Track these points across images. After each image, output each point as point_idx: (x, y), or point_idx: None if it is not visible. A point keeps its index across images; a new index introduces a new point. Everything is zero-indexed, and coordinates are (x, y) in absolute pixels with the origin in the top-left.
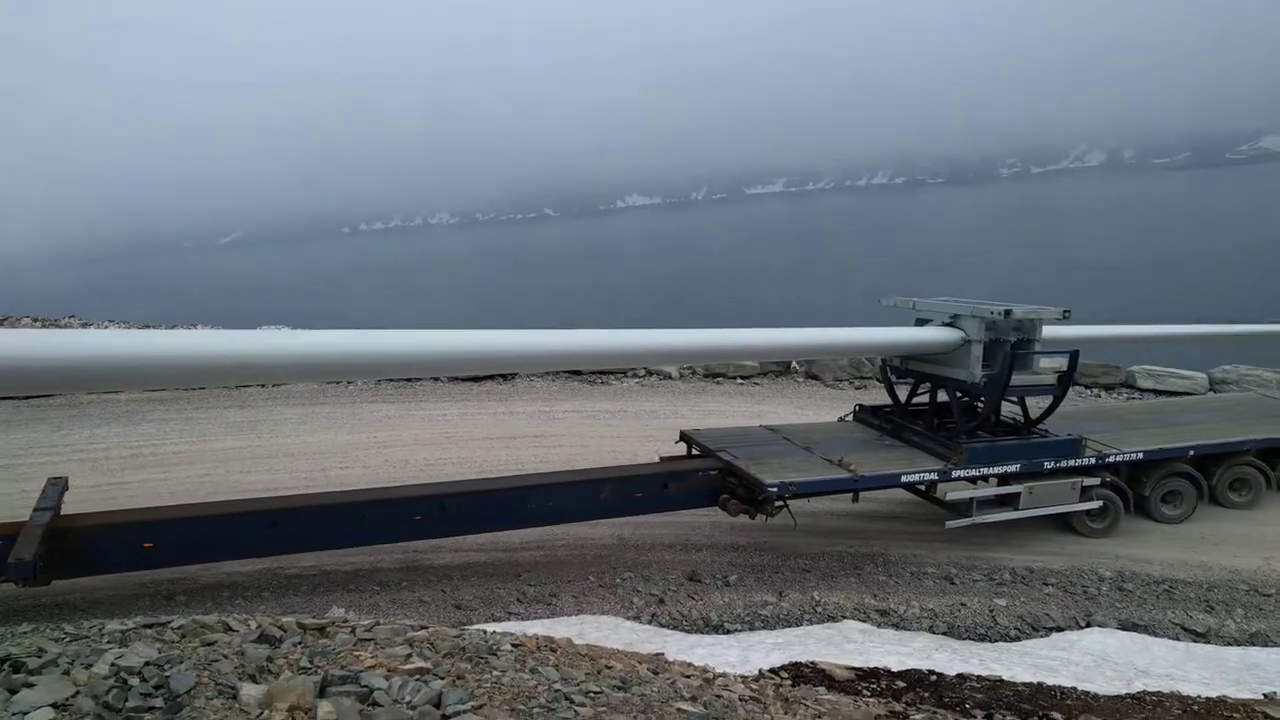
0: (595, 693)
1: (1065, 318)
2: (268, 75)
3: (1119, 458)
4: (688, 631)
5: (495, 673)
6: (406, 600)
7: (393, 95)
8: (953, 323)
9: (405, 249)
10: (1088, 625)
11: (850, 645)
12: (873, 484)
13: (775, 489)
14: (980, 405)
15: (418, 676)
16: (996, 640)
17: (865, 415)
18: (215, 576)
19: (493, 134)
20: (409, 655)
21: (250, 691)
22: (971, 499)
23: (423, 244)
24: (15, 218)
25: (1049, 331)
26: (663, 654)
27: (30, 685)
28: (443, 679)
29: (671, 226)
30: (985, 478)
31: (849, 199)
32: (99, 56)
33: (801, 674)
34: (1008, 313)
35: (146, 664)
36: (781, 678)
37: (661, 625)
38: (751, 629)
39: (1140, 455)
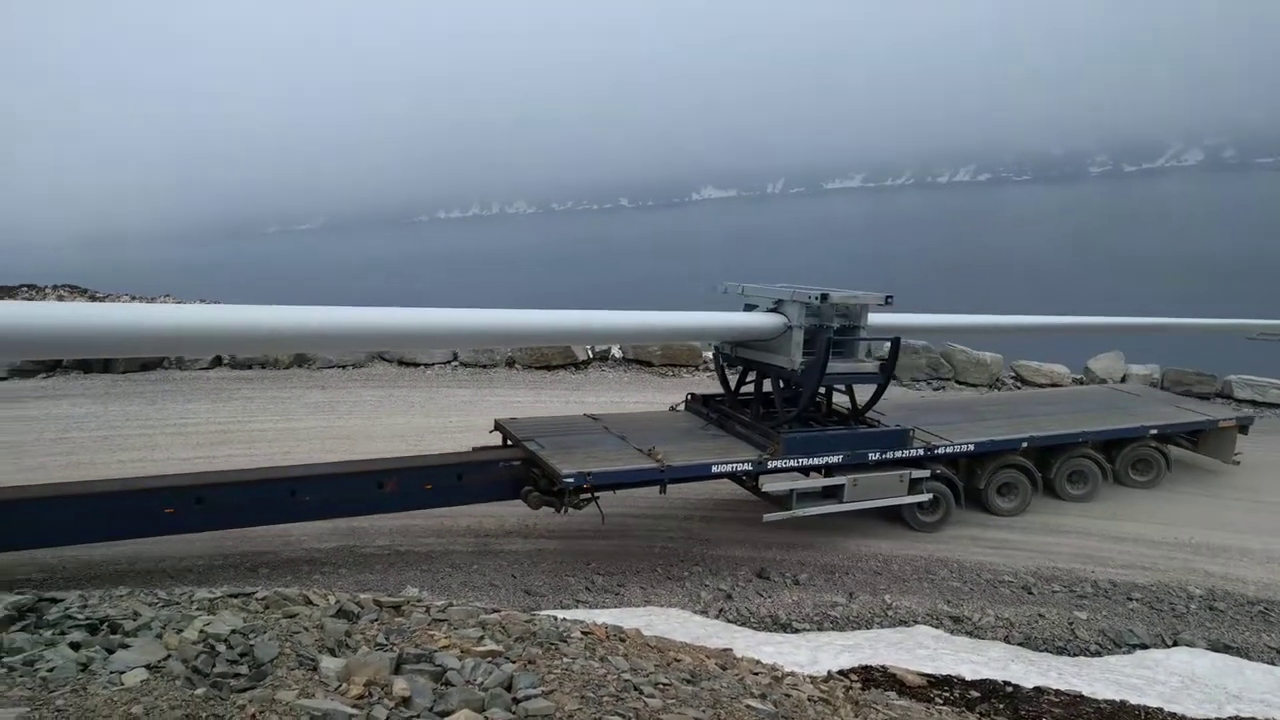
0: (664, 684)
1: (888, 304)
2: (357, 69)
3: (948, 449)
4: (755, 629)
5: (565, 659)
6: (478, 583)
7: (472, 87)
8: (776, 308)
9: (484, 237)
10: (1175, 644)
11: (922, 651)
12: (681, 475)
13: (572, 479)
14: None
15: (490, 659)
16: (1076, 654)
17: (696, 404)
18: (295, 551)
19: (570, 124)
20: (481, 637)
21: (330, 664)
22: (791, 491)
23: (500, 233)
24: (120, 199)
25: (880, 320)
26: (730, 650)
27: (126, 646)
28: (514, 663)
29: (746, 219)
30: (806, 469)
31: (930, 196)
32: (203, 43)
33: (872, 678)
34: (824, 297)
35: (233, 632)
36: (851, 680)
37: (729, 621)
38: (820, 629)
39: (971, 447)
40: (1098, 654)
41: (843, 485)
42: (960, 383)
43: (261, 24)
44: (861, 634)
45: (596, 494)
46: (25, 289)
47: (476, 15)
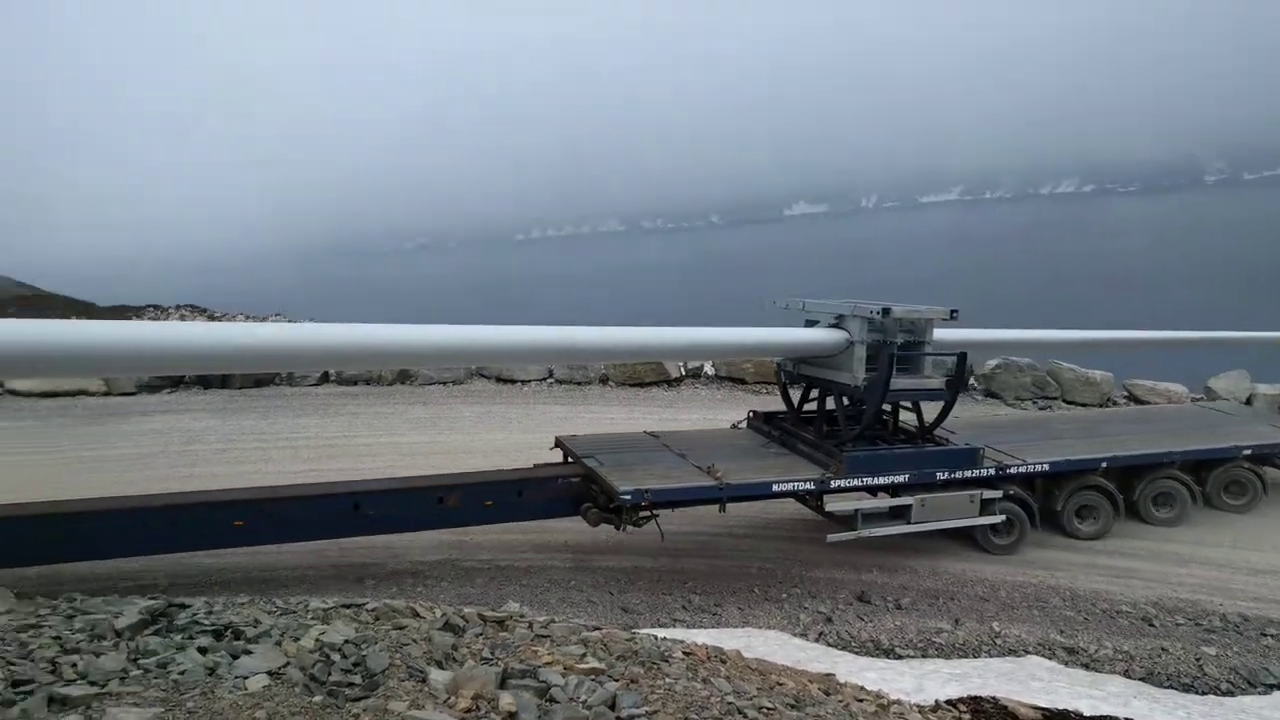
0: (768, 709)
1: (953, 318)
2: (454, 92)
3: (1021, 469)
4: (857, 653)
5: (668, 680)
6: (576, 600)
7: (566, 102)
8: (838, 323)
9: (576, 255)
10: None
11: (1035, 683)
12: (740, 493)
13: (629, 496)
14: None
15: (593, 677)
16: (1205, 693)
17: (758, 422)
18: (400, 564)
19: (660, 141)
20: (584, 655)
21: (438, 677)
22: (856, 511)
23: (591, 251)
24: (234, 221)
25: (948, 335)
26: (833, 675)
27: (249, 652)
28: (617, 681)
29: (838, 234)
30: (871, 489)
31: (1031, 208)
32: (317, 62)
33: (981, 709)
34: (886, 311)
35: (346, 642)
36: (960, 711)
37: (829, 645)
38: (924, 656)
39: (1045, 467)
40: (1229, 693)
41: (910, 505)
42: (1068, 402)
43: (364, 52)
44: (969, 663)
45: (656, 512)
46: (151, 309)
47: (570, 35)
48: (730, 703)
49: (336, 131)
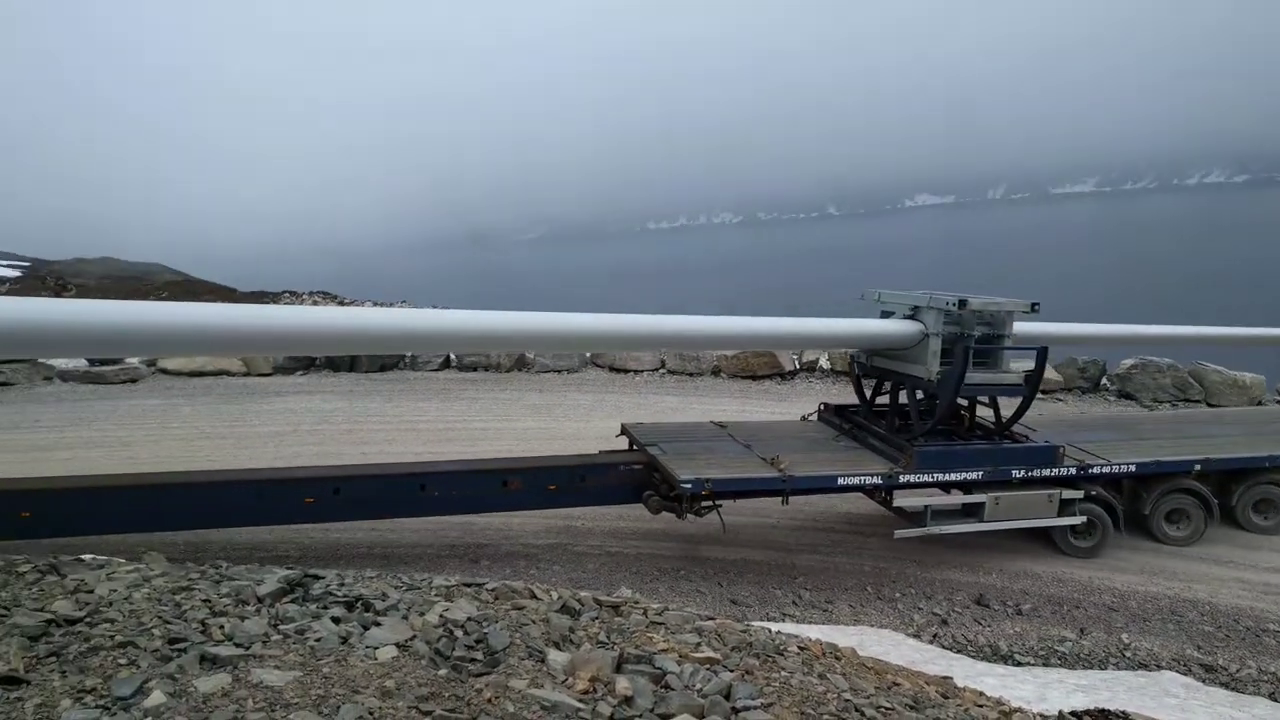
0: (886, 708)
1: (1034, 311)
2: (574, 81)
3: (1105, 469)
4: (974, 658)
5: (783, 673)
6: (685, 589)
7: (681, 95)
8: (913, 315)
9: (691, 247)
10: None
11: (1170, 700)
12: (804, 485)
13: (689, 485)
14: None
15: (708, 666)
16: None
17: (829, 415)
18: (514, 546)
19: (776, 131)
20: (698, 644)
21: (556, 657)
22: (926, 507)
23: (706, 242)
24: (361, 212)
25: (1027, 329)
26: (950, 678)
27: (378, 624)
28: (731, 671)
29: (963, 227)
30: (944, 485)
31: (1176, 201)
32: (432, 54)
33: None
34: (963, 303)
35: (469, 619)
36: None
37: (944, 647)
38: (1046, 664)
39: (1132, 468)
40: None
41: (983, 503)
42: (1211, 405)
43: (486, 38)
44: (1097, 674)
45: (718, 502)
46: (287, 294)
47: (676, 32)
48: (847, 700)
49: (466, 121)
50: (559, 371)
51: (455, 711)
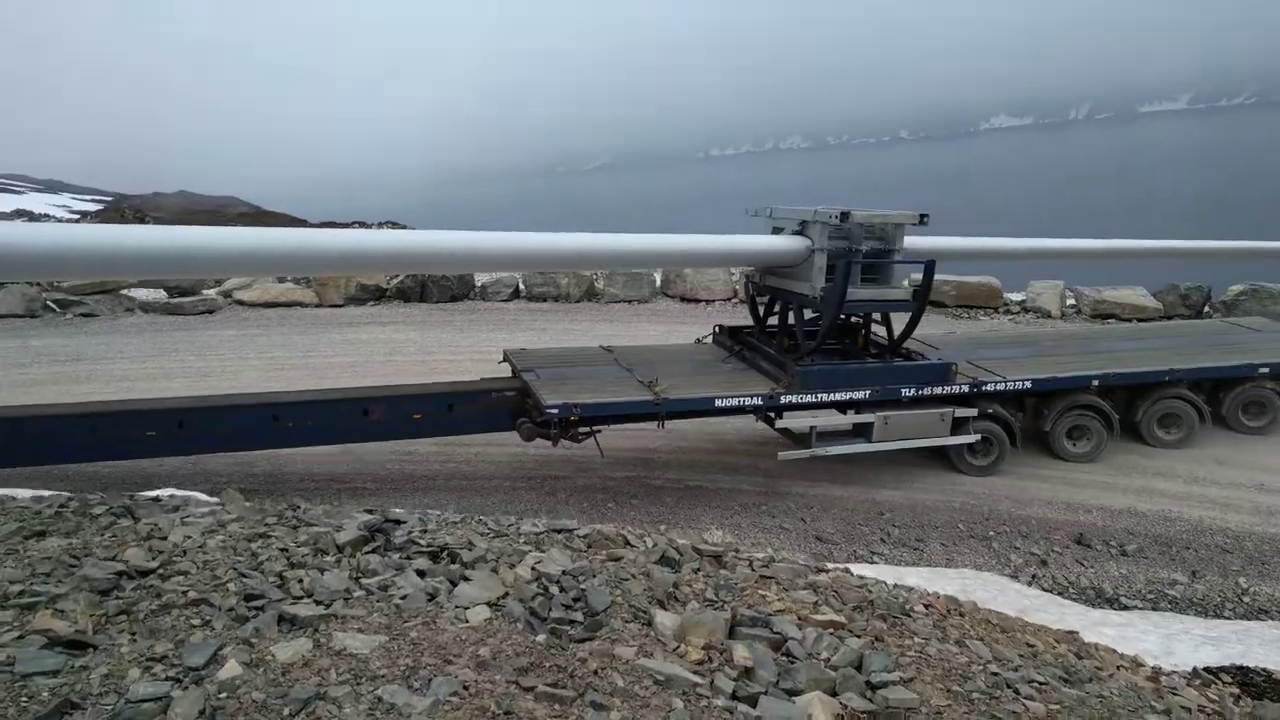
0: (1040, 684)
1: (923, 223)
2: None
3: (999, 386)
4: (1076, 601)
5: (917, 639)
6: (767, 525)
7: (743, 14)
8: (801, 230)
9: (756, 175)
10: None
11: None
12: (679, 408)
13: (555, 410)
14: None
15: (831, 631)
16: None
17: (723, 337)
18: (590, 479)
19: (846, 54)
20: (816, 603)
21: (665, 621)
22: (811, 428)
23: (772, 168)
24: (410, 143)
25: (921, 244)
26: (1076, 633)
27: (466, 579)
28: (859, 638)
29: (1042, 151)
30: (831, 406)
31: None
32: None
33: (1251, 682)
34: (845, 215)
35: (564, 573)
36: (1224, 681)
37: (1044, 589)
38: (1154, 608)
39: (1027, 384)
40: None
41: (872, 423)
42: None
43: None
44: (1226, 625)
45: (595, 428)
46: (355, 224)
47: None
48: (994, 674)
49: (556, 49)
50: (629, 302)
51: (558, 686)
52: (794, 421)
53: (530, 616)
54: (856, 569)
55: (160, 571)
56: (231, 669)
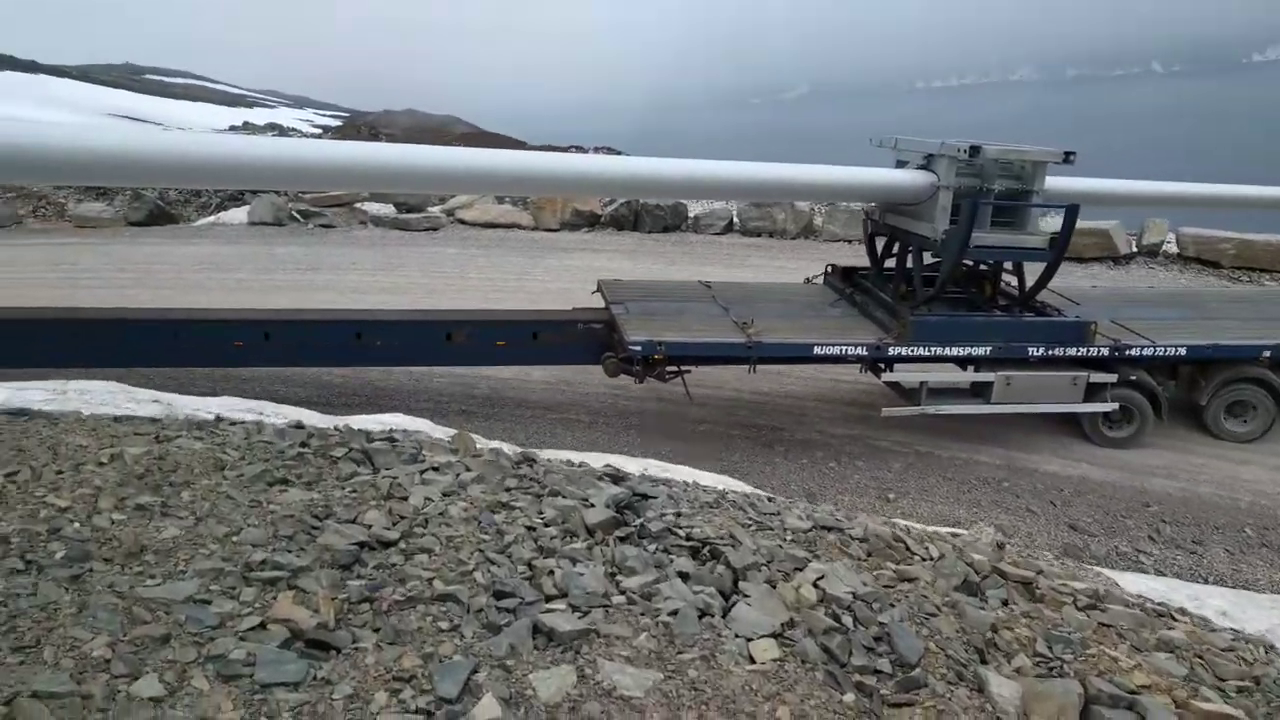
0: None
1: (1068, 161)
2: None
3: (1146, 351)
4: None
5: None
6: (1012, 505)
7: None
8: (926, 165)
9: (970, 110)
10: None
11: None
12: (772, 353)
13: (639, 347)
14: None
15: None
16: None
17: (834, 278)
18: (809, 433)
19: None
20: (1186, 677)
21: (1002, 690)
22: (922, 384)
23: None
24: (598, 69)
25: (1066, 186)
26: None
27: (739, 593)
28: None
29: None
30: (947, 360)
31: None
32: None
33: None
34: (975, 150)
35: (855, 597)
36: None
37: None
38: None
39: (1181, 351)
40: None
41: (991, 383)
42: None
43: None
44: None
45: (684, 368)
46: (573, 148)
47: None
48: None
49: None
50: (849, 241)
51: None
52: (904, 375)
53: (829, 661)
54: (1129, 578)
55: (402, 546)
56: (488, 708)
